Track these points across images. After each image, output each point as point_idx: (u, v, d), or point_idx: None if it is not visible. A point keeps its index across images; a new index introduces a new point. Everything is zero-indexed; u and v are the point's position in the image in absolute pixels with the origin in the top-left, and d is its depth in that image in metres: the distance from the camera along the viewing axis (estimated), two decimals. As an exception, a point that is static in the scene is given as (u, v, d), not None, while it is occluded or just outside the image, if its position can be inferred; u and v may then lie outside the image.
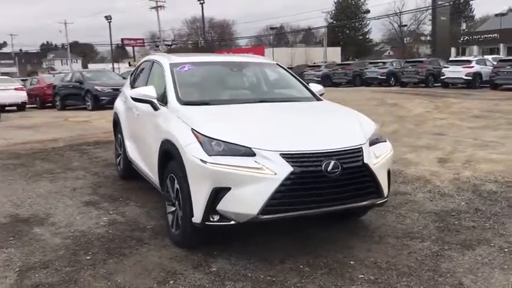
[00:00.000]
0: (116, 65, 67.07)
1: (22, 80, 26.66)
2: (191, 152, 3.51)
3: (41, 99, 21.56)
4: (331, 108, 4.60)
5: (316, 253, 3.72)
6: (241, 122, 3.88)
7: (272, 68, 5.28)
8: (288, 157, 3.37)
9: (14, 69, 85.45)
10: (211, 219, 3.45)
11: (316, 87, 5.11)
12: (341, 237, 4.09)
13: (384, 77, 29.25)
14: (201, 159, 3.41)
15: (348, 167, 3.50)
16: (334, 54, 59.94)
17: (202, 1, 56.16)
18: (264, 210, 3.32)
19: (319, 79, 33.34)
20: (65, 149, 8.84)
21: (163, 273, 3.43)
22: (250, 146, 3.42)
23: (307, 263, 3.54)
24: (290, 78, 5.11)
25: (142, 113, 4.89)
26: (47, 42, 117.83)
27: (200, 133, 3.55)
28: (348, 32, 70.31)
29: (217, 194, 3.38)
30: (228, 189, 3.36)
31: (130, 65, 49.29)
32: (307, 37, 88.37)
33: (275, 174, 3.31)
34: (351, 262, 3.56)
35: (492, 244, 3.85)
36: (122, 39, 67.93)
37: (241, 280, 3.30)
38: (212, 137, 3.50)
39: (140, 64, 6.02)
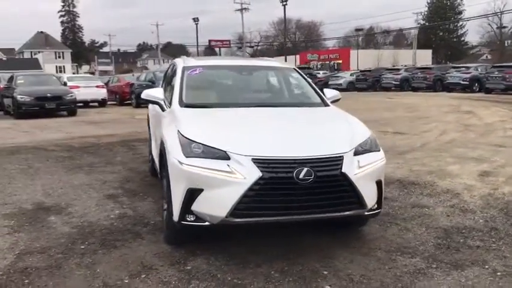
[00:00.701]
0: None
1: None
2: (172, 152, 3.65)
3: (120, 97, 23.01)
4: (329, 115, 4.52)
5: (296, 260, 3.68)
6: (226, 126, 3.96)
7: (286, 73, 5.27)
8: (259, 162, 3.39)
9: (110, 68, 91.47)
10: (188, 219, 3.55)
11: (330, 93, 5.04)
12: (329, 246, 4.00)
13: (467, 83, 27.54)
14: (178, 160, 3.54)
15: (323, 176, 3.44)
16: (425, 57, 57.63)
17: (284, 2, 56.51)
18: (234, 213, 3.37)
19: (397, 83, 32.22)
20: (116, 144, 9.43)
21: (140, 267, 3.59)
22: (226, 149, 3.48)
23: (280, 270, 3.52)
24: (303, 83, 5.08)
25: (156, 114, 5.13)
26: (143, 42, 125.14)
27: (182, 135, 3.67)
28: (441, 34, 67.16)
29: (192, 194, 3.48)
30: (201, 190, 3.45)
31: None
32: (398, 39, 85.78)
33: (244, 178, 3.35)
34: (325, 272, 3.49)
35: (487, 266, 3.58)
36: (209, 41, 70.45)
37: (207, 280, 3.37)
38: (192, 139, 3.61)
39: (169, 66, 6.30)
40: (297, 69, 5.36)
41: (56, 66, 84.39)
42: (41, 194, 5.65)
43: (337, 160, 3.53)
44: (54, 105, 16.16)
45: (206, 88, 4.99)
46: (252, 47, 74.11)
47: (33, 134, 11.74)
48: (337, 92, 5.16)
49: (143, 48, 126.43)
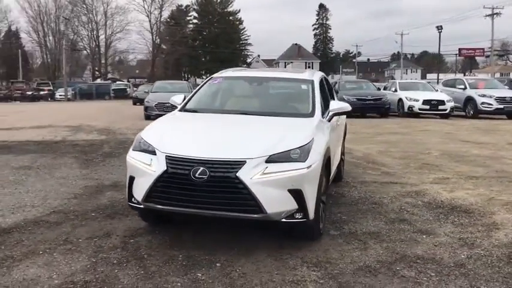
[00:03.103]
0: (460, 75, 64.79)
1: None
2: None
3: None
4: (288, 125, 4.56)
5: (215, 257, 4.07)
6: (182, 128, 4.59)
7: (298, 84, 5.43)
8: (169, 159, 3.95)
9: (354, 77, 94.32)
10: (132, 201, 4.33)
11: (336, 105, 5.07)
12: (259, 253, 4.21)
13: None
14: (128, 152, 4.38)
15: (216, 176, 3.78)
16: None
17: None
18: (147, 199, 4.03)
19: None
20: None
21: (104, 234, 4.55)
22: (154, 146, 4.15)
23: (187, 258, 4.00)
24: (308, 95, 5.16)
25: None
26: (398, 52, 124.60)
27: (140, 133, 4.48)
28: None
29: (131, 181, 4.26)
30: (134, 178, 4.21)
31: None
32: None
33: (154, 171, 3.97)
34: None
35: None
36: (459, 49, 66.02)
37: (124, 263, 3.92)
38: (142, 136, 4.38)
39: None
40: (313, 82, 5.40)
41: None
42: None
43: (236, 164, 3.80)
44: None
45: (213, 96, 5.60)
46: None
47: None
48: (345, 104, 5.13)
49: (395, 57, 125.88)
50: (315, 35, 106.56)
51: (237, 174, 3.76)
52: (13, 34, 77.02)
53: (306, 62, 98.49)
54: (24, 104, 40.75)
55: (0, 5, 72.47)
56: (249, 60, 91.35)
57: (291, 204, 3.89)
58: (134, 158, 4.22)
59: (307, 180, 3.95)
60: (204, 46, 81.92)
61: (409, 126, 16.27)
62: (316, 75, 5.68)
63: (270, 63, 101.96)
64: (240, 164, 3.81)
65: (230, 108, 5.17)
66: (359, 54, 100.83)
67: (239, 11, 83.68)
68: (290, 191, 3.86)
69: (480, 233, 4.73)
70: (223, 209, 3.85)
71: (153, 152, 4.12)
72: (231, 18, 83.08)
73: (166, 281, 3.53)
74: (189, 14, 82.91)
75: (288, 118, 4.76)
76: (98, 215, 5.16)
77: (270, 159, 3.89)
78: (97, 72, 75.87)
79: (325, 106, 5.25)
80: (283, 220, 3.94)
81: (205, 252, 4.08)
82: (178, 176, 3.88)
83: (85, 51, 77.23)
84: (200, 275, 3.64)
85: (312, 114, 4.83)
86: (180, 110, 5.20)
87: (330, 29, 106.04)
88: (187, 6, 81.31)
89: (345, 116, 7.02)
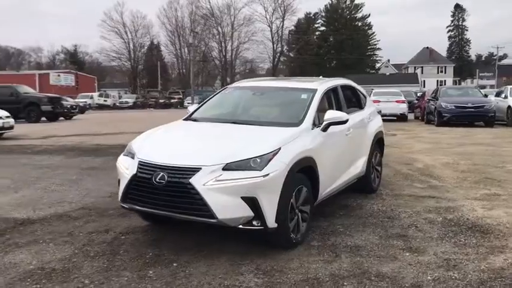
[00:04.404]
0: None
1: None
2: None
3: (422, 113, 22.76)
4: (264, 134, 4.61)
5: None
6: (166, 135, 4.97)
7: (300, 94, 5.39)
8: (141, 164, 4.31)
9: (492, 82, 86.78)
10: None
11: (330, 115, 5.00)
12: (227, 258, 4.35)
13: None
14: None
15: (173, 181, 4.03)
16: None
17: None
18: (123, 200, 4.42)
19: None
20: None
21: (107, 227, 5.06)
22: (135, 152, 4.53)
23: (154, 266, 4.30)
24: (304, 104, 5.11)
25: None
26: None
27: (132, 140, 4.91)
28: None
29: (119, 183, 4.69)
30: (119, 180, 4.63)
31: None
32: None
33: (128, 174, 4.35)
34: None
35: None
36: None
37: (99, 256, 4.30)
38: (131, 142, 4.81)
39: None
40: (315, 92, 5.33)
41: (437, 81, 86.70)
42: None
43: (190, 170, 4.01)
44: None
45: (218, 105, 5.80)
46: None
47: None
48: (341, 114, 5.02)
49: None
50: (450, 37, 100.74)
51: (190, 180, 3.98)
52: (154, 47, 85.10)
53: (438, 67, 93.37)
54: (157, 110, 44.97)
55: (144, 22, 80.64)
56: (377, 65, 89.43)
57: (246, 211, 3.98)
58: (119, 162, 4.65)
59: (263, 188, 4.00)
60: (329, 53, 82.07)
61: (504, 136, 14.74)
62: (325, 85, 5.60)
63: (399, 67, 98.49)
64: (194, 170, 4.02)
65: (225, 118, 5.33)
66: (504, 56, 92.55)
67: (369, 15, 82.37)
68: (244, 198, 3.96)
69: (477, 255, 4.32)
70: (182, 212, 4.09)
71: (133, 157, 4.50)
72: (359, 23, 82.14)
73: (117, 275, 3.86)
74: (317, 22, 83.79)
75: (272, 127, 4.79)
76: (114, 213, 5.70)
77: (228, 167, 4.03)
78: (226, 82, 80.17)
79: None
80: (241, 227, 4.04)
81: (174, 252, 4.35)
82: (143, 179, 4.22)
83: (214, 62, 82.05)
84: (151, 272, 3.92)
85: (298, 124, 4.81)
86: (185, 119, 5.53)
87: (467, 30, 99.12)
88: (315, 13, 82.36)
89: (377, 125, 6.80)
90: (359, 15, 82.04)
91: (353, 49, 78.39)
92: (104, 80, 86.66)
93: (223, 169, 4.02)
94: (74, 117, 28.73)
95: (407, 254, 4.36)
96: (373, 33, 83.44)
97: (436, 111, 18.58)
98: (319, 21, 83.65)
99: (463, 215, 5.64)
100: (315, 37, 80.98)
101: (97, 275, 3.86)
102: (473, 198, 6.50)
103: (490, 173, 8.25)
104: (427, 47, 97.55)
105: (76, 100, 37.13)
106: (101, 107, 50.94)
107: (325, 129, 5.01)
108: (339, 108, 5.76)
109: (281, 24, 77.43)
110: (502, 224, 5.28)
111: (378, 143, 6.90)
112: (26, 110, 24.20)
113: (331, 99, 5.71)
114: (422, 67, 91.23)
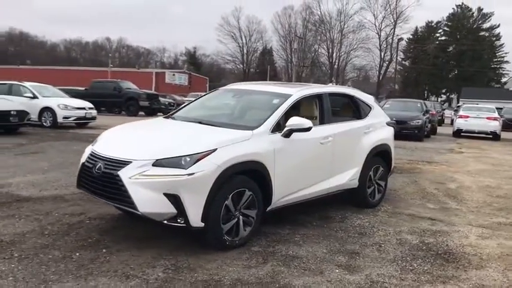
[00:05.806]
0: None
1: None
2: None
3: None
4: (210, 134, 4.68)
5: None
6: (129, 130, 5.26)
7: (273, 98, 5.30)
8: (91, 154, 4.64)
9: None
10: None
11: (293, 121, 4.90)
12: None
13: None
14: (91, 145, 5.22)
15: (106, 172, 4.30)
16: None
17: None
18: (78, 184, 4.78)
19: None
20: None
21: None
22: (93, 144, 4.88)
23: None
24: (270, 109, 5.03)
25: None
26: None
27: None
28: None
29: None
30: (80, 166, 5.02)
31: None
32: None
33: (81, 162, 4.70)
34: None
35: None
36: None
37: (53, 235, 4.80)
38: (100, 135, 5.16)
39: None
40: (292, 97, 5.24)
41: None
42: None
43: (121, 163, 4.23)
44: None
45: (201, 105, 5.91)
46: None
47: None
48: (304, 121, 4.89)
49: None
50: None
51: (118, 172, 4.20)
52: (267, 52, 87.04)
53: None
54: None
55: (258, 27, 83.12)
56: (504, 79, 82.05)
57: (169, 208, 4.10)
58: (85, 151, 5.02)
59: (186, 186, 4.09)
60: (448, 63, 77.68)
61: None
62: (303, 92, 5.45)
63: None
64: (124, 163, 4.23)
65: (195, 117, 5.39)
66: None
67: (498, 25, 76.35)
68: (166, 195, 4.08)
69: (412, 282, 4.02)
70: (115, 201, 4.34)
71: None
72: (485, 34, 76.57)
73: (47, 253, 4.19)
74: (438, 31, 79.80)
75: (224, 129, 4.81)
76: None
77: (158, 163, 4.18)
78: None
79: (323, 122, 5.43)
80: (165, 222, 4.17)
81: (115, 240, 4.61)
82: (88, 168, 4.56)
83: (321, 69, 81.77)
84: (77, 254, 4.22)
85: (253, 128, 4.78)
86: (165, 116, 5.78)
87: None
88: (438, 22, 78.61)
89: (379, 137, 6.50)
90: (486, 25, 76.20)
91: (473, 61, 73.14)
92: (219, 82, 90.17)
93: (153, 165, 4.18)
94: (173, 114, 30.40)
95: (337, 270, 4.17)
96: (502, 44, 76.88)
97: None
98: (440, 30, 79.13)
99: (445, 240, 5.21)
100: (433, 46, 76.53)
101: (30, 250, 4.24)
102: (478, 225, 5.93)
103: (525, 202, 7.42)
104: None
105: (184, 99, 38.14)
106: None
107: (287, 135, 4.92)
108: (322, 116, 5.62)
109: (391, 31, 74.72)
110: (478, 254, 4.80)
111: (381, 156, 6.55)
112: (126, 104, 26.10)
113: (312, 106, 5.58)
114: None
